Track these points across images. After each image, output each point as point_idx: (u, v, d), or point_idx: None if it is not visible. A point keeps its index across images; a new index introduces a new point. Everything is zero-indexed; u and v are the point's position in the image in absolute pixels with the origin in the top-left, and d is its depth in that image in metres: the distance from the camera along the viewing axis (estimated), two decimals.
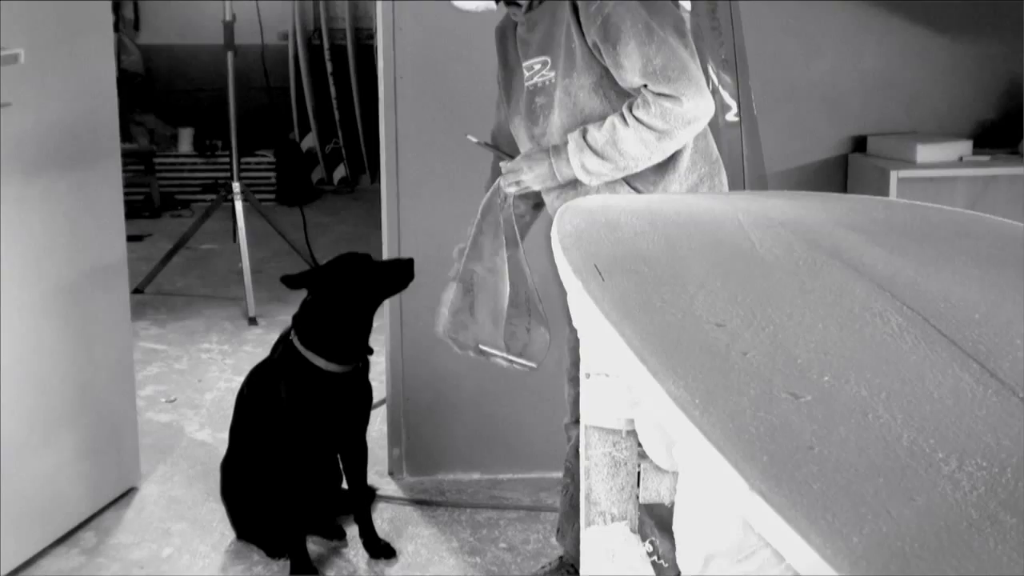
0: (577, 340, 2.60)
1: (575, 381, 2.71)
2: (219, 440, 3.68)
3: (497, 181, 2.66)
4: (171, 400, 4.29)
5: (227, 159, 6.05)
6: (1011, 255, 1.72)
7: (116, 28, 7.15)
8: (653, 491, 1.81)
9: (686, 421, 1.08)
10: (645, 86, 2.40)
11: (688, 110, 2.39)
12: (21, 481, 3.02)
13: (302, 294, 3.01)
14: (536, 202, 2.78)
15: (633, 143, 2.41)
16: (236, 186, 5.48)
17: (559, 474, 2.91)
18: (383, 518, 3.36)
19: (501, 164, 2.66)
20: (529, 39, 2.58)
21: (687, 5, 2.58)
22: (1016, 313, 1.38)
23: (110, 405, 3.41)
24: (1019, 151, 3.74)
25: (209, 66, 6.94)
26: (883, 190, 3.56)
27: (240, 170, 5.63)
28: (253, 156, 7.56)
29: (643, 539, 2.45)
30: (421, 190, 3.47)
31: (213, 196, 6.57)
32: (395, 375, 3.60)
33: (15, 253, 2.95)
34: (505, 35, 2.69)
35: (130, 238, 3.61)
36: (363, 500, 3.19)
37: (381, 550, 3.14)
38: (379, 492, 3.49)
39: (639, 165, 2.46)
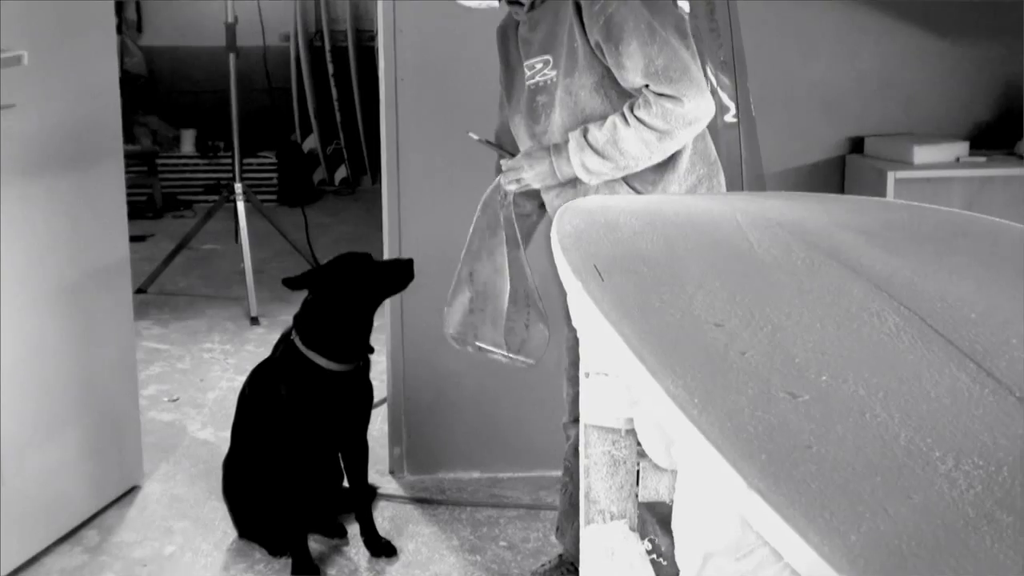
0: (575, 340, 2.60)
1: (573, 381, 2.71)
2: (221, 439, 3.68)
3: (497, 178, 2.66)
4: (173, 399, 4.29)
5: (229, 160, 6.06)
6: (1007, 255, 1.72)
7: (119, 30, 7.15)
8: (652, 489, 1.81)
9: (685, 420, 1.08)
10: (646, 86, 2.40)
11: (689, 111, 2.39)
12: (24, 479, 3.02)
13: (303, 294, 3.01)
14: (542, 201, 2.78)
15: (634, 143, 2.41)
16: (238, 187, 5.48)
17: (559, 473, 2.91)
18: (384, 516, 3.36)
19: (501, 162, 2.65)
20: (531, 38, 2.58)
21: (685, 6, 2.57)
22: (1012, 313, 1.38)
23: (113, 404, 3.41)
24: (1015, 152, 3.74)
25: (211, 68, 6.95)
26: (880, 191, 3.56)
27: (242, 171, 5.63)
28: (255, 157, 7.57)
29: (642, 537, 2.45)
30: (422, 191, 3.47)
31: (215, 197, 6.57)
32: (396, 375, 3.60)
33: (18, 253, 2.95)
34: (507, 34, 2.69)
35: (133, 238, 3.61)
36: (364, 498, 3.19)
37: (382, 548, 3.14)
38: (380, 490, 3.50)
39: (639, 165, 2.46)
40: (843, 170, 3.79)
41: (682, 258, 1.67)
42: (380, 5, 3.44)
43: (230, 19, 5.43)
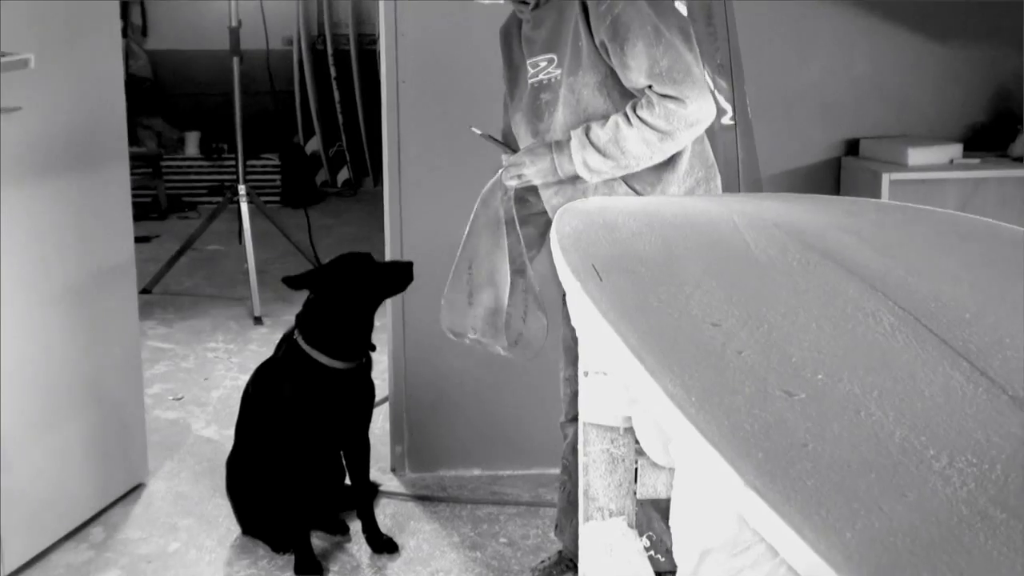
0: (572, 340, 2.61)
1: (570, 380, 2.71)
2: (225, 437, 3.68)
3: (498, 174, 2.65)
4: (178, 398, 4.29)
5: (233, 162, 6.06)
6: (1000, 256, 1.72)
7: (124, 34, 7.15)
8: (650, 487, 1.81)
9: (682, 418, 1.08)
10: (650, 87, 2.39)
11: (692, 112, 2.39)
12: (31, 477, 3.02)
13: (306, 294, 3.01)
14: None
15: (636, 142, 2.41)
16: (242, 188, 5.48)
17: (558, 470, 2.91)
18: (385, 513, 3.36)
19: (503, 157, 2.64)
20: (535, 37, 2.57)
21: (683, 9, 2.57)
22: (1006, 312, 1.38)
23: (118, 403, 3.41)
24: (1008, 154, 3.75)
25: (215, 71, 6.94)
26: (875, 192, 3.56)
27: (246, 173, 5.63)
28: (258, 159, 7.57)
29: (642, 533, 2.45)
30: (423, 192, 3.47)
31: (219, 198, 6.57)
32: (397, 374, 3.60)
33: (25, 253, 2.95)
34: (509, 33, 2.69)
35: (138, 239, 3.61)
36: (366, 496, 3.19)
37: (383, 545, 3.14)
38: (381, 488, 3.49)
39: (640, 164, 2.46)
40: (838, 172, 3.79)
41: (680, 258, 1.66)
42: (382, 9, 3.44)
43: (234, 23, 5.43)
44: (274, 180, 7.71)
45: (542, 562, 2.98)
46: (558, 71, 2.52)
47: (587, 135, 2.44)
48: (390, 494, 3.49)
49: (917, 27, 3.72)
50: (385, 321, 3.55)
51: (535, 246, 2.78)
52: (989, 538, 0.85)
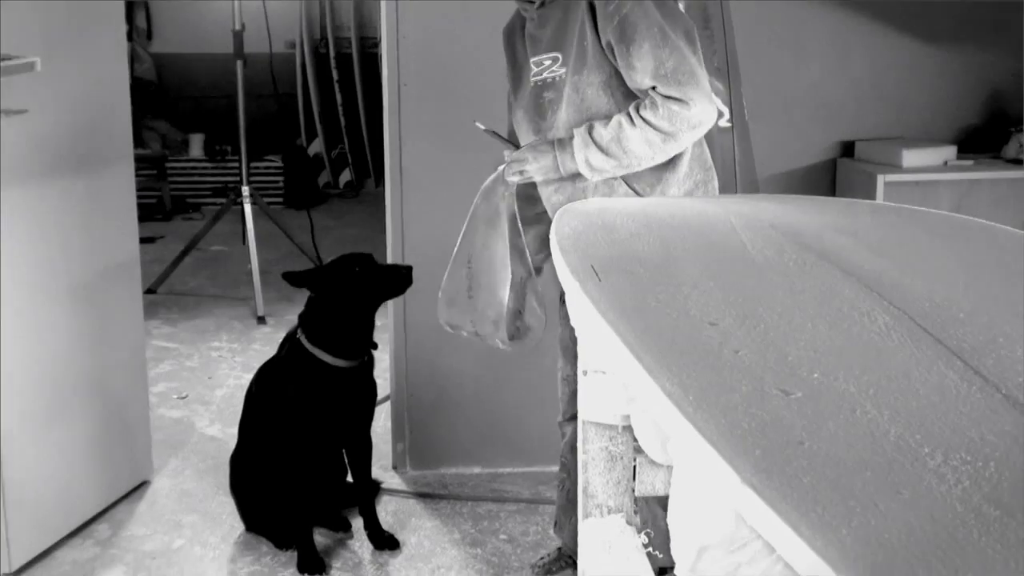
0: (570, 339, 2.60)
1: (568, 380, 2.71)
2: (229, 435, 3.68)
3: (499, 169, 2.63)
4: (182, 396, 4.29)
5: (236, 164, 6.06)
6: (994, 256, 1.72)
7: (129, 37, 7.15)
8: (648, 484, 1.81)
9: (680, 417, 1.08)
10: (654, 88, 2.39)
11: (695, 114, 2.39)
12: (37, 475, 3.02)
13: (308, 294, 3.01)
14: None
15: (638, 143, 2.40)
16: (245, 190, 5.48)
17: (557, 468, 2.91)
18: (387, 511, 3.36)
19: (505, 153, 2.63)
20: (539, 35, 2.56)
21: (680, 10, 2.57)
22: (999, 312, 1.38)
23: (123, 401, 3.41)
24: (1001, 156, 3.75)
25: (219, 74, 6.95)
26: (870, 193, 3.56)
27: (249, 174, 5.63)
28: (262, 161, 7.56)
29: (643, 527, 2.45)
30: (424, 193, 3.47)
31: (223, 200, 6.57)
32: (399, 373, 3.60)
33: (31, 254, 2.95)
34: (513, 32, 2.68)
35: (143, 240, 3.61)
36: (368, 493, 3.19)
37: (385, 541, 3.14)
38: (383, 485, 3.49)
39: (642, 164, 2.45)
40: (834, 173, 3.79)
41: (678, 259, 1.66)
42: (383, 13, 3.44)
43: (237, 27, 5.43)
44: (277, 182, 7.71)
45: (541, 559, 2.98)
46: (562, 70, 2.51)
47: (590, 134, 2.44)
48: (392, 491, 3.49)
49: (912, 31, 3.72)
50: (386, 321, 3.55)
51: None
52: (983, 535, 0.85)
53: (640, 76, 2.39)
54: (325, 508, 3.21)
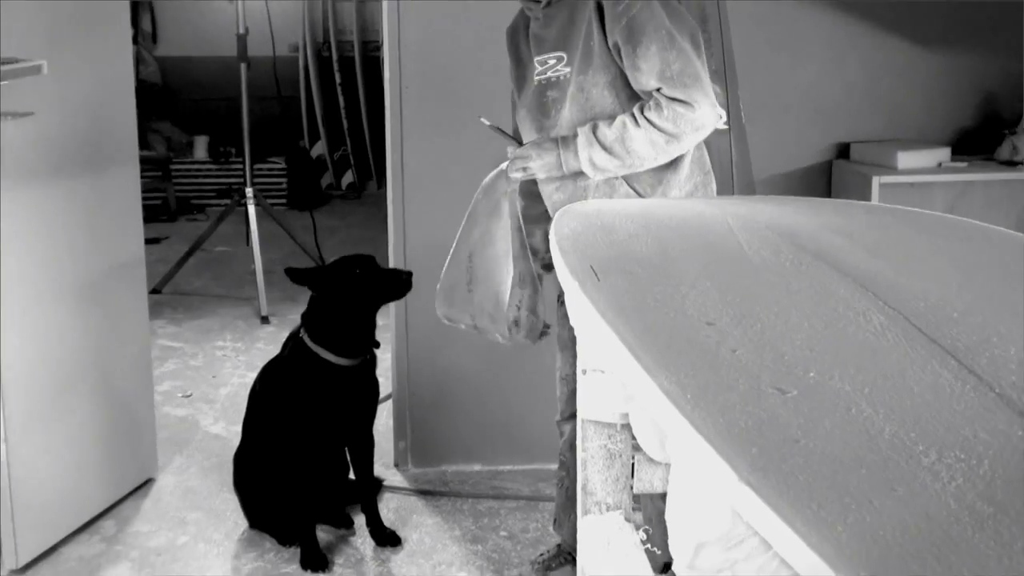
0: (569, 339, 2.60)
1: (567, 379, 2.70)
2: (233, 433, 3.68)
3: (502, 165, 2.61)
4: (187, 395, 4.29)
5: (240, 165, 6.05)
6: (988, 256, 1.72)
7: (134, 41, 7.13)
8: (647, 482, 1.81)
9: (678, 415, 1.08)
10: (658, 90, 2.39)
11: (699, 116, 2.39)
12: (44, 472, 3.02)
13: (311, 294, 3.01)
14: None
15: (642, 143, 2.40)
16: (249, 191, 5.48)
17: (556, 466, 2.91)
18: (389, 507, 3.36)
19: (508, 149, 2.61)
20: (544, 35, 2.56)
21: None
22: (993, 311, 1.38)
23: (129, 400, 3.41)
24: (995, 158, 3.75)
25: (223, 77, 6.94)
26: (865, 195, 3.56)
27: (253, 176, 5.62)
28: (265, 163, 7.56)
29: (650, 525, 2.45)
30: (425, 195, 3.47)
31: (227, 201, 6.57)
32: (401, 372, 3.60)
33: (38, 253, 2.95)
34: (516, 32, 2.68)
35: (148, 241, 3.61)
36: (370, 490, 3.19)
37: (387, 538, 3.14)
38: (385, 483, 3.49)
39: (644, 165, 2.45)
40: (830, 175, 3.79)
41: (675, 259, 1.66)
42: (385, 16, 3.44)
43: (241, 30, 5.43)
44: (280, 183, 7.71)
45: (541, 555, 2.98)
46: (567, 69, 2.50)
47: (594, 132, 2.43)
48: (393, 489, 3.49)
49: (906, 34, 3.72)
50: (388, 320, 3.55)
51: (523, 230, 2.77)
52: (977, 532, 0.85)
53: (646, 77, 2.39)
54: (328, 505, 3.21)
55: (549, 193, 2.61)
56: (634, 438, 1.74)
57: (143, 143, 6.88)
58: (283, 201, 7.59)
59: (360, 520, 3.20)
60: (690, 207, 2.20)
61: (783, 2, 3.64)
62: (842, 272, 1.54)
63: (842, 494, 0.91)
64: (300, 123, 7.93)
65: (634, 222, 1.90)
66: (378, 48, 7.32)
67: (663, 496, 1.86)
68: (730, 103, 3.27)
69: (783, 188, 3.69)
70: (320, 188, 7.90)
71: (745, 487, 0.93)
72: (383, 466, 3.56)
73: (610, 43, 2.42)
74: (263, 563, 3.05)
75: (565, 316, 1.87)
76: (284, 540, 3.11)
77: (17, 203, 2.84)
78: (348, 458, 3.17)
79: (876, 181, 3.56)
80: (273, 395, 3.05)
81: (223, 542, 3.17)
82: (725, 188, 3.14)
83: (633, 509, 1.85)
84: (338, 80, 7.71)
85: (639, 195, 2.51)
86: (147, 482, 3.50)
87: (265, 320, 5.14)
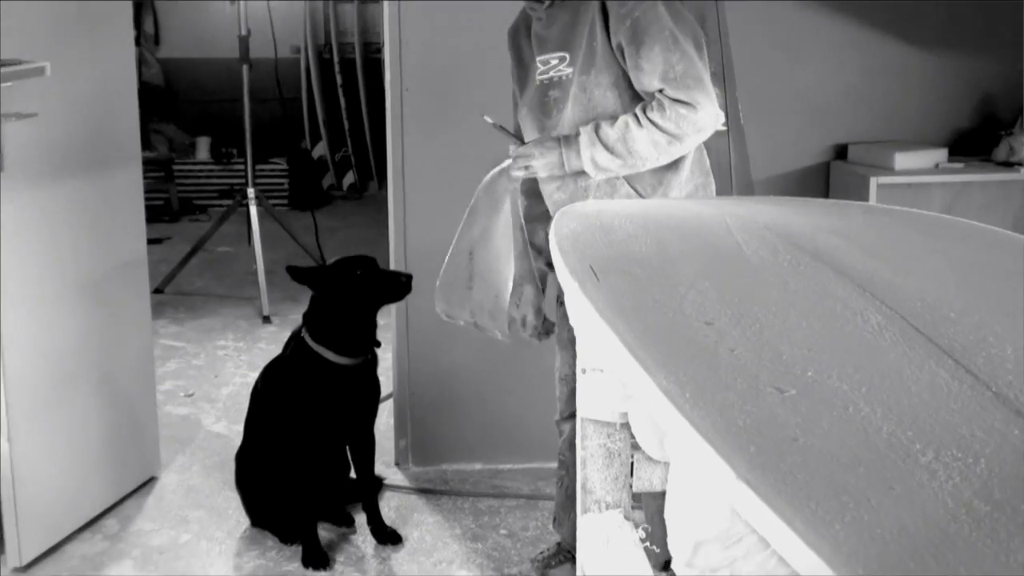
0: (568, 340, 2.60)
1: (566, 379, 2.70)
2: (234, 432, 3.67)
3: (504, 163, 2.59)
4: (189, 394, 4.29)
5: (242, 166, 6.05)
6: (984, 257, 1.72)
7: (137, 43, 7.14)
8: (645, 480, 1.81)
9: (677, 414, 1.08)
10: (661, 91, 2.38)
11: (701, 118, 2.39)
12: (47, 471, 3.02)
13: (312, 294, 3.01)
14: None
15: (644, 143, 2.40)
16: (251, 192, 5.48)
17: (556, 465, 2.91)
18: (390, 506, 3.36)
19: (511, 148, 2.60)
20: (546, 35, 2.55)
21: None
22: (989, 311, 1.38)
23: (132, 399, 3.41)
24: (991, 159, 3.74)
25: (225, 78, 6.93)
26: (863, 196, 3.55)
27: (255, 177, 5.62)
28: (267, 163, 7.55)
29: (652, 523, 2.44)
30: (426, 195, 3.47)
31: (229, 201, 6.56)
32: (401, 371, 3.60)
33: (42, 253, 2.95)
34: (518, 32, 2.67)
35: (150, 241, 3.61)
36: (371, 489, 3.19)
37: (388, 536, 3.14)
38: (386, 481, 3.49)
39: (646, 165, 2.45)
40: (828, 176, 3.79)
41: (674, 260, 1.66)
42: (386, 19, 3.44)
43: (243, 32, 5.42)
44: (282, 184, 7.70)
45: (541, 553, 2.98)
46: (569, 69, 2.50)
47: (596, 132, 2.43)
48: (394, 487, 3.49)
49: (904, 36, 3.72)
50: (389, 320, 3.55)
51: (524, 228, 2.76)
52: (973, 530, 0.85)
53: (648, 78, 2.39)
54: (329, 503, 3.21)
55: (550, 192, 2.61)
56: (633, 437, 1.74)
57: (146, 144, 6.85)
58: (285, 202, 7.58)
59: (361, 518, 3.20)
60: (689, 208, 2.20)
61: (781, 4, 3.64)
62: (840, 272, 1.54)
63: (840, 492, 0.91)
64: (302, 124, 7.93)
65: (633, 222, 1.90)
66: (379, 50, 7.32)
67: (662, 494, 1.86)
68: (728, 104, 3.27)
69: (781, 189, 3.69)
70: (321, 189, 7.90)
71: (743, 485, 0.93)
72: (384, 465, 3.56)
73: (613, 44, 2.42)
74: (265, 561, 3.05)
75: (565, 316, 1.87)
76: (286, 538, 3.11)
77: (21, 203, 2.84)
78: (349, 457, 3.17)
79: (874, 182, 3.56)
80: (275, 394, 3.05)
81: (225, 540, 3.17)
82: (723, 189, 3.13)
83: (633, 507, 1.85)
84: (339, 82, 7.71)
85: (640, 195, 2.51)
86: (149, 480, 3.50)
87: (267, 320, 5.14)
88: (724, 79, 3.31)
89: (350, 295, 2.93)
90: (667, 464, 1.65)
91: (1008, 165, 3.69)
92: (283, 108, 6.44)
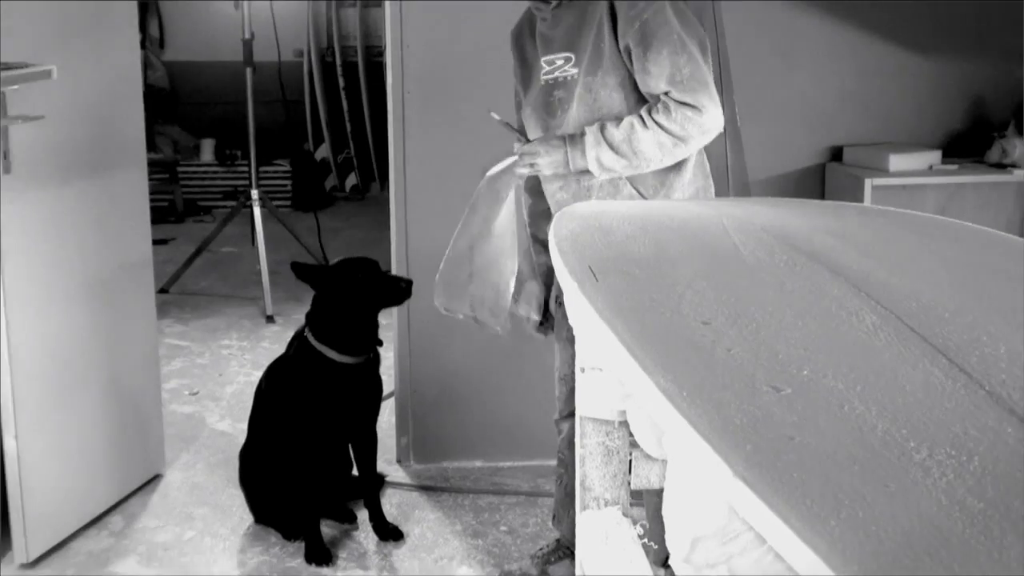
0: (568, 340, 2.59)
1: (565, 379, 2.70)
2: (238, 430, 3.67)
3: (509, 160, 2.56)
4: (194, 393, 4.29)
5: (246, 168, 6.04)
6: (978, 257, 1.72)
7: (142, 46, 7.14)
8: (644, 478, 1.81)
9: (675, 412, 1.08)
10: (667, 93, 2.38)
11: (706, 120, 2.38)
12: (54, 468, 3.02)
13: (315, 294, 3.01)
14: None
15: (650, 144, 2.39)
16: (254, 193, 5.47)
17: (555, 463, 2.91)
18: (391, 503, 3.35)
19: (516, 145, 2.58)
20: (552, 35, 2.54)
21: None
22: (982, 311, 1.38)
23: (137, 397, 3.41)
24: (984, 160, 3.75)
25: (229, 81, 6.92)
26: (858, 197, 3.55)
27: (258, 178, 5.62)
28: (270, 165, 7.56)
29: (650, 518, 2.44)
30: (427, 196, 3.47)
31: (233, 202, 6.56)
32: (403, 370, 3.60)
33: (49, 253, 2.95)
34: (521, 33, 2.66)
35: (155, 242, 3.61)
36: (373, 486, 3.19)
37: (389, 533, 3.14)
38: (388, 478, 3.49)
39: (650, 166, 2.44)
40: (823, 177, 3.79)
41: (672, 260, 1.66)
42: (388, 20, 3.45)
43: (247, 36, 5.42)
44: (285, 185, 7.70)
45: (540, 549, 2.98)
46: (575, 70, 2.49)
47: (602, 132, 2.42)
48: (396, 484, 3.49)
49: (898, 40, 3.72)
50: (391, 320, 3.55)
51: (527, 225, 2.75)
52: (967, 527, 0.85)
53: (655, 81, 2.38)
54: (332, 500, 3.21)
55: (552, 192, 2.60)
56: (631, 435, 1.74)
57: (151, 146, 6.89)
58: (288, 203, 7.58)
59: (363, 515, 3.20)
60: (686, 209, 2.20)
61: (777, 8, 3.64)
62: (835, 272, 1.54)
63: (835, 490, 0.91)
64: (304, 126, 7.92)
65: (631, 224, 1.90)
66: (380, 53, 7.32)
67: (660, 492, 1.86)
68: (725, 107, 3.27)
69: (777, 190, 3.69)
70: (324, 190, 7.90)
71: (740, 483, 0.93)
72: (385, 462, 3.56)
73: (621, 46, 2.41)
74: (268, 557, 3.05)
75: (565, 316, 1.87)
76: (289, 535, 3.11)
77: (28, 204, 2.84)
78: (351, 454, 3.17)
79: (868, 183, 3.56)
80: (279, 393, 3.05)
81: (229, 537, 3.17)
82: (720, 190, 3.13)
83: (631, 504, 1.85)
84: (342, 84, 7.71)
85: (643, 197, 2.50)
86: (154, 478, 3.50)
87: (270, 319, 5.14)
88: (721, 81, 3.31)
89: (350, 297, 2.93)
90: (665, 462, 1.65)
91: (1001, 167, 3.69)
92: (286, 111, 6.44)
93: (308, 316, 3.00)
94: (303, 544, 3.04)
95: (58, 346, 3.01)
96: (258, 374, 3.26)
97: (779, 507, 0.88)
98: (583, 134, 2.45)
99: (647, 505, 2.57)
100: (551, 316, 2.77)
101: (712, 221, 1.92)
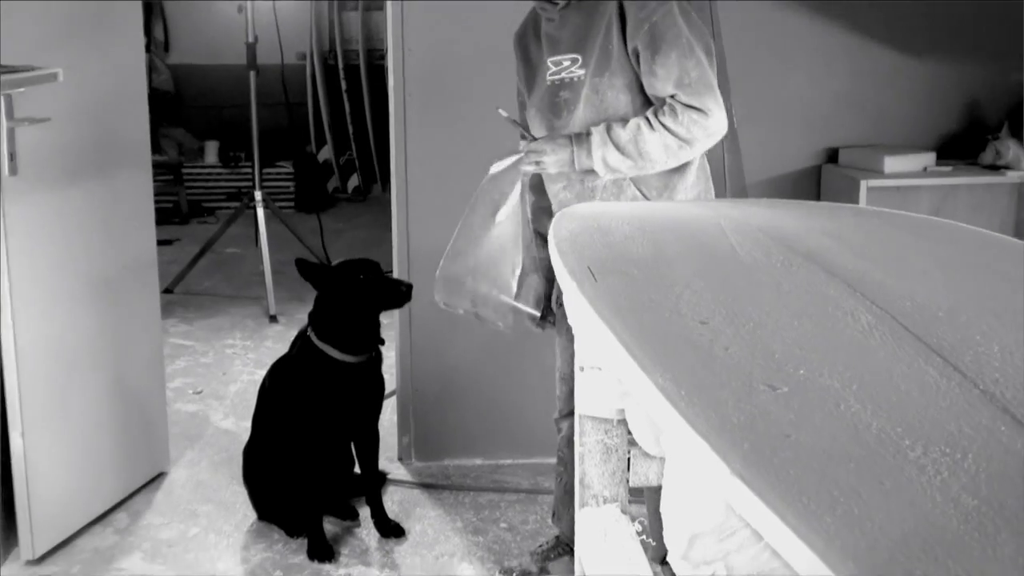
0: (566, 341, 2.59)
1: (565, 379, 2.70)
2: (242, 428, 3.67)
3: (515, 157, 2.55)
4: (198, 391, 4.29)
5: (250, 169, 6.05)
6: (972, 257, 1.72)
7: (147, 49, 7.13)
8: (642, 475, 1.81)
9: (673, 411, 1.08)
10: (673, 96, 2.38)
11: (711, 124, 2.38)
12: (60, 466, 3.02)
13: (317, 293, 3.01)
14: None
15: (656, 146, 2.39)
16: (258, 194, 5.47)
17: (555, 461, 2.91)
18: (393, 500, 3.35)
19: (522, 143, 2.57)
20: (558, 36, 2.53)
21: None
22: (976, 311, 1.38)
23: (142, 396, 3.41)
24: (978, 162, 3.74)
25: (233, 84, 6.94)
26: (853, 198, 3.55)
27: (262, 180, 5.62)
28: (273, 167, 7.56)
29: (651, 516, 2.43)
30: (428, 197, 3.47)
31: (237, 204, 6.56)
32: (404, 368, 3.60)
33: (55, 254, 2.95)
34: (525, 35, 2.65)
35: (160, 242, 3.61)
36: (375, 484, 3.19)
37: (391, 530, 3.14)
38: (389, 476, 3.49)
39: (655, 168, 2.44)
40: (819, 179, 3.79)
41: (670, 260, 1.66)
42: (390, 22, 3.44)
43: (250, 39, 5.42)
44: (288, 187, 7.70)
45: (540, 546, 2.98)
46: (581, 71, 2.48)
47: (608, 133, 2.42)
48: (397, 482, 3.49)
49: (893, 42, 3.72)
50: (393, 319, 3.54)
51: (530, 223, 2.75)
52: (961, 524, 0.85)
53: (662, 84, 2.37)
54: (334, 498, 3.21)
55: (556, 192, 2.59)
56: (630, 433, 1.74)
57: (155, 148, 6.87)
58: (291, 204, 7.58)
59: (365, 512, 3.20)
60: (684, 210, 2.20)
61: (773, 10, 3.64)
62: (831, 273, 1.54)
63: (831, 487, 0.91)
64: (307, 129, 7.93)
65: (630, 224, 1.90)
66: (382, 56, 7.32)
67: (659, 489, 1.86)
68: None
69: (774, 192, 3.69)
70: (326, 191, 7.90)
71: (737, 480, 0.93)
72: (387, 460, 3.56)
73: (629, 48, 2.40)
74: (271, 554, 3.05)
75: (565, 316, 1.87)
76: (292, 531, 3.11)
77: (34, 206, 2.84)
78: (354, 452, 3.17)
79: (864, 185, 3.56)
80: (282, 391, 3.05)
81: (233, 533, 3.17)
82: (718, 192, 3.13)
83: (630, 501, 1.85)
84: (344, 87, 7.71)
85: (646, 198, 2.49)
86: (159, 476, 3.50)
87: (273, 319, 5.14)
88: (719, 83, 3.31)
89: (351, 298, 2.93)
90: (663, 459, 1.65)
91: (994, 168, 3.69)
92: (289, 113, 6.45)
93: (311, 316, 3.00)
94: (306, 541, 3.04)
95: (64, 346, 3.01)
96: (261, 373, 3.26)
97: (775, 504, 0.88)
98: (589, 134, 2.44)
99: (647, 502, 2.57)
100: (551, 311, 2.77)
101: (709, 222, 1.92)
